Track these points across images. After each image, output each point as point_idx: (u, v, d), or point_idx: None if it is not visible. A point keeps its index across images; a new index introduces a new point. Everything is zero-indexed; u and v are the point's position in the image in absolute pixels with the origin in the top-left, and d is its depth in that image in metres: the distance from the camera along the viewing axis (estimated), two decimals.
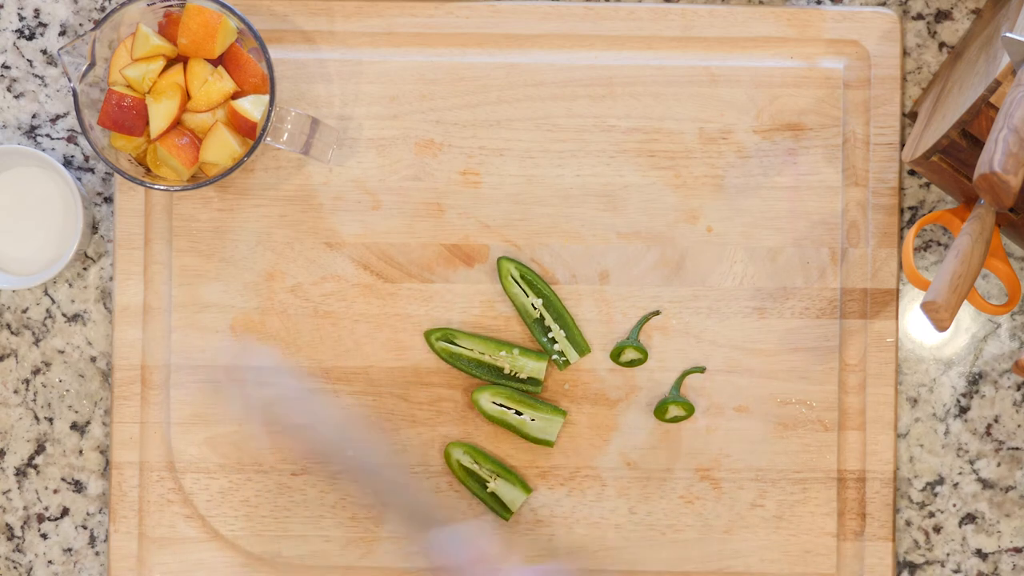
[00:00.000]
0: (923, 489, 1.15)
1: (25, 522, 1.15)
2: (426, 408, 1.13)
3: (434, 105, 1.14)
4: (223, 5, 1.07)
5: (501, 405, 1.12)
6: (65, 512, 1.15)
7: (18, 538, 1.15)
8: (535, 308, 1.12)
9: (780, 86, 1.14)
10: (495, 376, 1.12)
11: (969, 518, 1.15)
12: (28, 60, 1.16)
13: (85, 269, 1.15)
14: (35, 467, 1.15)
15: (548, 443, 1.12)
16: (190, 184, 1.09)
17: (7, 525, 1.15)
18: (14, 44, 1.16)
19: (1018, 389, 1.15)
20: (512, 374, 1.12)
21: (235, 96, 1.09)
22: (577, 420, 1.13)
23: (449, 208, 1.14)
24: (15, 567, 1.15)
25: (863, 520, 1.13)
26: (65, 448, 1.15)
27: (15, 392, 1.15)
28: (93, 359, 1.15)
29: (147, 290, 1.14)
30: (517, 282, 1.13)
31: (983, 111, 0.97)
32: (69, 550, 1.15)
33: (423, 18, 1.14)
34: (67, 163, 1.16)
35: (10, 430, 1.15)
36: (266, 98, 1.08)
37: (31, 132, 1.16)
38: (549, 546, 1.13)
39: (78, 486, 1.15)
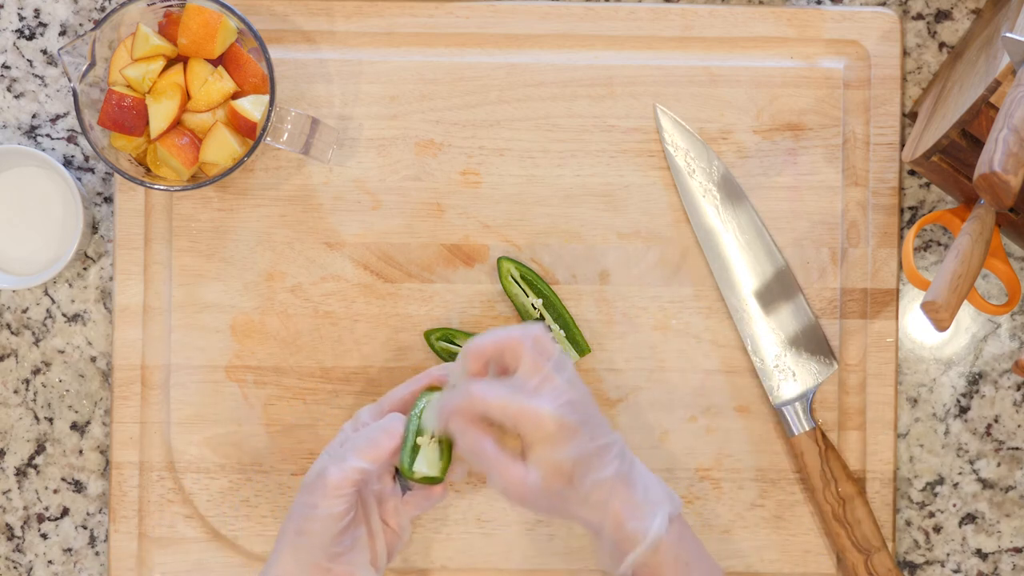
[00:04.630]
0: (923, 489, 1.15)
1: (25, 522, 1.15)
2: None
3: (434, 105, 1.14)
4: (223, 5, 1.07)
5: None
6: (65, 512, 1.15)
7: (18, 538, 1.15)
8: (535, 308, 1.12)
9: (780, 86, 1.14)
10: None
11: (969, 518, 1.15)
12: (28, 60, 1.16)
13: (85, 269, 1.15)
14: (35, 467, 1.15)
15: None
16: (190, 184, 1.09)
17: (7, 525, 1.15)
18: (14, 44, 1.16)
19: (1018, 389, 1.15)
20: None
21: (235, 96, 1.09)
22: None
23: (449, 208, 1.14)
24: (15, 567, 1.15)
25: None
26: (65, 448, 1.15)
27: (15, 392, 1.15)
28: (93, 359, 1.15)
29: (147, 290, 1.14)
30: (517, 282, 1.13)
31: (983, 111, 0.97)
32: (69, 550, 1.15)
33: (423, 18, 1.14)
34: (67, 163, 1.16)
35: (10, 430, 1.15)
36: (266, 98, 1.08)
37: (31, 132, 1.16)
38: (549, 546, 1.13)
39: (78, 486, 1.15)
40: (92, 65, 1.07)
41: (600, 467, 0.98)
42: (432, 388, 1.04)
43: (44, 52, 1.16)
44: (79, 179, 1.15)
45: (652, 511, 0.98)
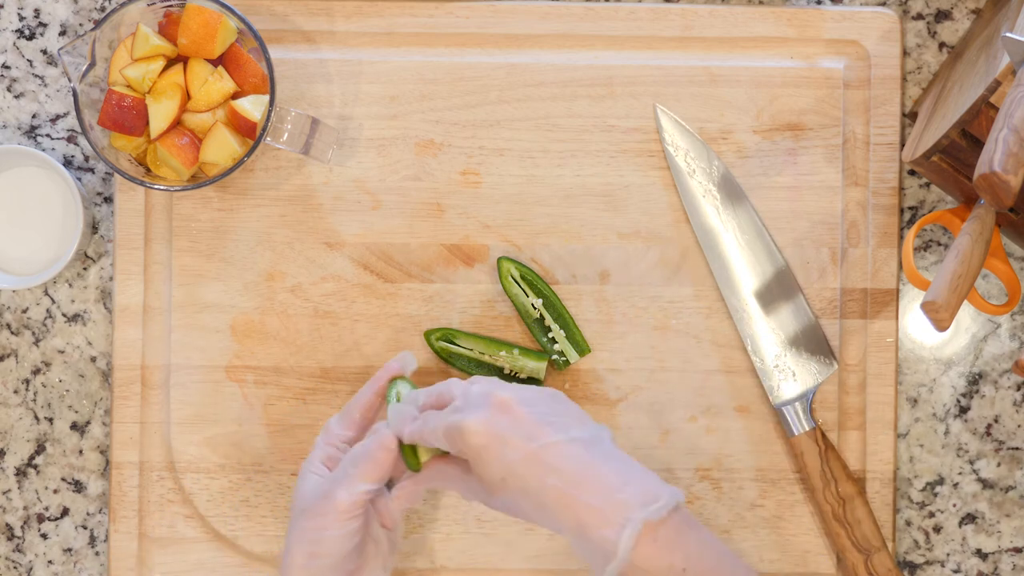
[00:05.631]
0: (923, 489, 1.15)
1: (25, 522, 1.15)
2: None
3: (434, 105, 1.14)
4: (223, 5, 1.07)
5: None
6: (65, 512, 1.15)
7: (18, 538, 1.15)
8: (535, 308, 1.12)
9: (780, 86, 1.14)
10: (495, 376, 1.12)
11: (969, 518, 1.15)
12: (28, 60, 1.16)
13: (85, 269, 1.15)
14: (35, 467, 1.15)
15: None
16: (190, 184, 1.09)
17: (7, 525, 1.15)
18: (14, 44, 1.16)
19: (1018, 389, 1.15)
20: (512, 374, 1.12)
21: (235, 96, 1.09)
22: None
23: (449, 208, 1.14)
24: (15, 567, 1.15)
25: None
26: (65, 448, 1.15)
27: (15, 392, 1.15)
28: (93, 359, 1.15)
29: (147, 290, 1.14)
30: (517, 282, 1.13)
31: (983, 111, 0.97)
32: (69, 550, 1.15)
33: (423, 18, 1.14)
34: (67, 163, 1.16)
35: (10, 430, 1.15)
36: (266, 98, 1.08)
37: (31, 132, 1.16)
38: (549, 546, 1.13)
39: (78, 486, 1.15)
40: (92, 65, 1.07)
41: (545, 472, 0.93)
42: (394, 379, 1.04)
43: (44, 52, 1.16)
44: (79, 179, 1.15)
45: (621, 517, 0.92)
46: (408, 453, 1.00)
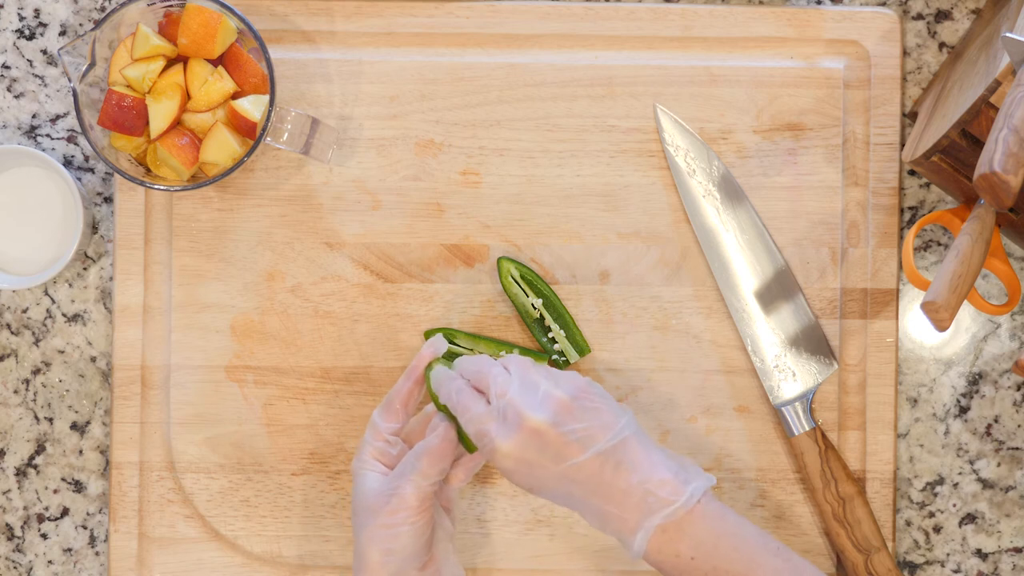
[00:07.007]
0: (923, 489, 1.15)
1: (25, 522, 1.15)
2: None
3: (434, 105, 1.14)
4: (223, 5, 1.07)
5: None
6: (65, 512, 1.15)
7: (18, 538, 1.15)
8: (535, 308, 1.12)
9: (780, 86, 1.14)
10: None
11: (969, 518, 1.15)
12: (28, 60, 1.16)
13: (85, 269, 1.15)
14: (35, 467, 1.15)
15: None
16: (190, 184, 1.09)
17: (7, 525, 1.15)
18: (14, 44, 1.16)
19: (1018, 389, 1.15)
20: None
21: (235, 96, 1.09)
22: None
23: (449, 208, 1.14)
24: (15, 567, 1.15)
25: None
26: (65, 448, 1.15)
27: (15, 392, 1.15)
28: (93, 359, 1.15)
29: (147, 290, 1.14)
30: (517, 282, 1.13)
31: (983, 111, 0.97)
32: (69, 550, 1.15)
33: (423, 18, 1.14)
34: (67, 163, 1.16)
35: (10, 430, 1.15)
36: (266, 98, 1.08)
37: (31, 132, 1.16)
38: (549, 546, 1.13)
39: (78, 486, 1.15)
40: (92, 65, 1.07)
41: (569, 485, 0.98)
42: (430, 364, 1.05)
43: (44, 52, 1.16)
44: (79, 179, 1.15)
45: (637, 524, 0.98)
46: (466, 436, 1.02)
